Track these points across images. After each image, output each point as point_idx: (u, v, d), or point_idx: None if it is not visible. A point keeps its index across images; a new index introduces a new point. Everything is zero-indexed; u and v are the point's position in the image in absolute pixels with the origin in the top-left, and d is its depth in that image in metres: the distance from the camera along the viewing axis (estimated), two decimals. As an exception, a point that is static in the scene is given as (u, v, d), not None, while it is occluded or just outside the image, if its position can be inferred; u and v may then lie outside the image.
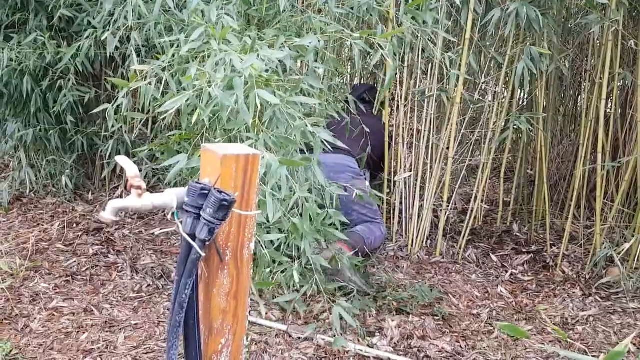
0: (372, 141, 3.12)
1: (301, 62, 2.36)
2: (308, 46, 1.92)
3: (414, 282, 2.94)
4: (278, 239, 1.91)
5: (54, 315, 2.44)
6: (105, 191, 3.65)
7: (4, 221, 3.31)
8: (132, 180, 0.93)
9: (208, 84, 1.72)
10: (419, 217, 3.21)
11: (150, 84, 2.04)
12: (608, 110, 3.04)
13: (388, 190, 3.29)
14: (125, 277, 2.76)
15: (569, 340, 2.52)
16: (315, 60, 2.08)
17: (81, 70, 2.92)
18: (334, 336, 2.33)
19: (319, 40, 1.95)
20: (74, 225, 3.27)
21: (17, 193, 3.56)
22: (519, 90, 3.31)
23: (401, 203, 3.25)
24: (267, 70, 1.97)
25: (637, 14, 2.95)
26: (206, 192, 0.93)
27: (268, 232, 1.90)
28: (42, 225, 3.26)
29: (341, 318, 2.06)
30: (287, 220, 1.86)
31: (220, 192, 0.92)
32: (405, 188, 3.21)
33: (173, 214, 0.98)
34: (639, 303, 2.83)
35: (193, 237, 0.95)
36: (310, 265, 2.04)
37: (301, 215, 1.92)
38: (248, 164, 0.99)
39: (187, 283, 0.95)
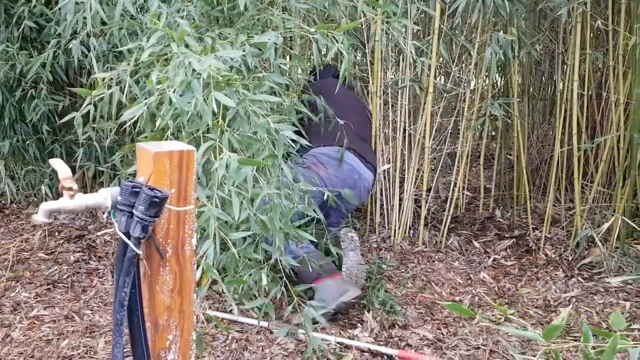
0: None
1: (266, 59, 2.36)
2: (267, 42, 1.92)
3: (397, 272, 2.94)
4: (248, 237, 1.91)
5: (34, 323, 2.44)
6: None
7: (-15, 233, 3.31)
8: (64, 181, 0.93)
9: (169, 88, 1.72)
10: (400, 207, 3.22)
11: (114, 91, 2.04)
12: (582, 92, 3.05)
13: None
14: (107, 283, 2.76)
15: (518, 317, 2.53)
16: (277, 57, 2.08)
17: (53, 79, 2.92)
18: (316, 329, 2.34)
19: (279, 37, 1.95)
20: (56, 234, 3.27)
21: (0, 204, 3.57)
22: (495, 77, 3.31)
23: (382, 194, 3.26)
24: (230, 69, 1.98)
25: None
26: (137, 189, 0.93)
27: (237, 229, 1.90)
28: (24, 235, 3.26)
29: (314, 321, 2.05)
30: (256, 218, 1.86)
31: (152, 189, 0.93)
32: (385, 179, 3.22)
33: (110, 213, 0.98)
34: (621, 282, 2.84)
35: (128, 235, 0.96)
36: (279, 266, 2.04)
37: (264, 212, 1.92)
38: (183, 160, 0.99)
39: (125, 281, 0.95)
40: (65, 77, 3.09)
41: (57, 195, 3.57)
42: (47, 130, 3.17)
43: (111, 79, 2.09)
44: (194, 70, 1.78)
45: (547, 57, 3.69)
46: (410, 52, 2.72)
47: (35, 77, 2.89)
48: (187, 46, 1.94)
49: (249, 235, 1.92)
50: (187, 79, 1.69)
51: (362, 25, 2.98)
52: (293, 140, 2.04)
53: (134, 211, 0.94)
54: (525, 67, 3.48)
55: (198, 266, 1.70)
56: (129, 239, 0.95)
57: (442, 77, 3.42)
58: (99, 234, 3.11)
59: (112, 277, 2.80)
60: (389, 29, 2.81)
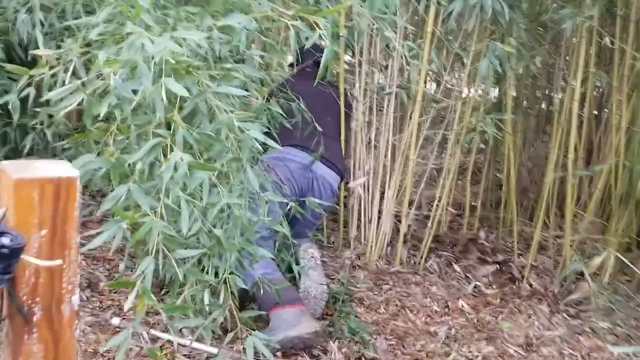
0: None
1: (242, 50, 2.08)
2: (237, 27, 1.66)
3: (370, 294, 2.70)
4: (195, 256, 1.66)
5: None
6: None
7: None
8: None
9: (113, 71, 1.46)
10: (378, 222, 2.97)
11: (59, 71, 1.76)
12: (581, 113, 2.83)
13: (346, 193, 3.05)
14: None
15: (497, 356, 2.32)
16: (249, 47, 1.83)
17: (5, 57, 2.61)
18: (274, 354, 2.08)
19: (252, 21, 1.68)
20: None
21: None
22: (488, 90, 3.08)
23: (360, 206, 3.01)
24: (195, 56, 1.71)
25: (614, 9, 2.72)
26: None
27: (186, 248, 1.64)
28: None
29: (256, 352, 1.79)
30: (208, 232, 1.60)
31: (2, 233, 0.67)
32: (363, 190, 2.97)
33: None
34: (610, 323, 2.62)
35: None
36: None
37: (221, 226, 1.66)
38: (60, 189, 0.73)
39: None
40: (22, 55, 2.79)
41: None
42: (-1, 112, 2.87)
43: (58, 58, 1.81)
44: (145, 53, 1.51)
45: (546, 71, 3.46)
46: (403, 55, 2.46)
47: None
48: (146, 27, 1.67)
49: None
50: (131, 60, 1.42)
51: (351, 21, 2.73)
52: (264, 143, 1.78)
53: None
54: (522, 80, 3.25)
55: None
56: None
57: (432, 85, 3.17)
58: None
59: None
60: (376, 26, 2.57)
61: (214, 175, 1.63)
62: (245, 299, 2.34)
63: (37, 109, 2.02)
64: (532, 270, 3.03)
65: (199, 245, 1.79)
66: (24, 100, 2.02)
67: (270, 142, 1.73)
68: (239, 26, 1.63)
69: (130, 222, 1.36)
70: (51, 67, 1.80)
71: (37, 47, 2.14)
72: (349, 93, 2.97)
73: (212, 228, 1.60)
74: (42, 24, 2.04)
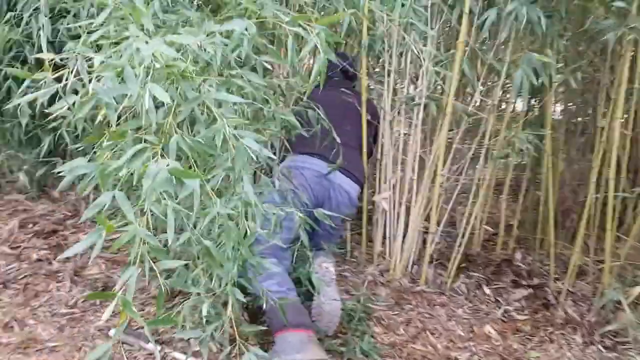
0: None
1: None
2: (235, 31, 1.59)
3: (390, 314, 2.58)
4: (180, 267, 1.60)
5: (-33, 329, 2.18)
6: (74, 189, 3.39)
7: (-44, 217, 3.09)
8: None
9: (101, 75, 1.42)
10: (403, 238, 2.85)
11: (66, 74, 1.75)
12: (625, 131, 2.63)
13: (370, 207, 2.94)
14: (63, 289, 2.49)
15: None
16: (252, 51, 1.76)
17: (30, 59, 2.65)
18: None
19: (252, 25, 1.62)
20: (29, 226, 3.02)
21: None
22: (524, 105, 2.92)
23: (385, 220, 2.90)
24: (195, 63, 1.67)
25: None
26: None
27: (179, 258, 1.59)
28: (-3, 224, 3.03)
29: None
30: (197, 243, 1.54)
31: None
32: (389, 205, 2.86)
33: None
34: (649, 358, 2.42)
35: None
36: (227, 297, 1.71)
37: (218, 237, 1.60)
38: None
39: None
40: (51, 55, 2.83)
41: (36, 184, 3.34)
42: (29, 114, 2.92)
43: (65, 60, 1.80)
44: (140, 57, 1.47)
45: (593, 86, 3.26)
46: (433, 65, 2.35)
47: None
48: (146, 31, 1.64)
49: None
50: (117, 63, 1.38)
51: (380, 30, 2.64)
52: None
53: None
54: (565, 95, 3.07)
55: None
56: None
57: (465, 97, 3.03)
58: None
59: (71, 282, 2.53)
60: (404, 35, 2.47)
61: (208, 184, 1.57)
62: (258, 312, 2.27)
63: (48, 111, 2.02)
64: (569, 296, 2.85)
65: (198, 255, 1.73)
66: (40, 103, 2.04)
67: (266, 152, 1.65)
68: (238, 30, 1.57)
69: (108, 231, 1.31)
70: (55, 71, 1.79)
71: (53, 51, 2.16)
72: (374, 103, 2.88)
73: (201, 238, 1.54)
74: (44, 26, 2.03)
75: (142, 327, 2.18)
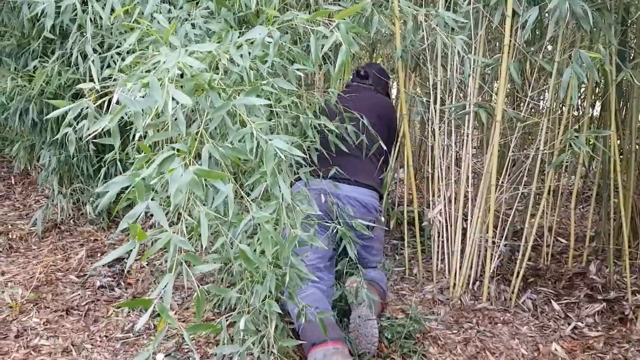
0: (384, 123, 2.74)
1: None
2: (256, 38, 1.60)
3: (448, 333, 2.47)
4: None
5: (31, 354, 2.26)
6: (146, 220, 3.51)
7: (34, 249, 3.26)
8: None
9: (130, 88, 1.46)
10: (462, 254, 2.74)
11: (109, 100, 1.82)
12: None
13: (425, 223, 2.85)
14: (122, 314, 2.55)
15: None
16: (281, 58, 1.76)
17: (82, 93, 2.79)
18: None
19: (276, 31, 1.62)
20: (98, 255, 3.14)
21: (56, 220, 3.52)
22: (583, 106, 2.76)
23: (443, 236, 2.80)
24: (225, 74, 1.69)
25: None
26: None
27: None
28: (68, 253, 3.17)
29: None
30: (231, 247, 1.53)
31: None
32: (445, 220, 2.76)
33: None
34: None
35: None
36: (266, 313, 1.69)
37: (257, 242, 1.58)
38: None
39: None
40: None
41: (102, 217, 3.48)
42: (93, 148, 3.06)
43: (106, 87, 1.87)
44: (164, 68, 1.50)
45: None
46: (481, 70, 2.27)
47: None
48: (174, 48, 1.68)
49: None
50: (141, 75, 1.41)
51: (423, 41, 2.59)
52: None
53: None
54: (632, 94, 2.87)
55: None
56: None
57: (516, 102, 2.91)
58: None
59: (130, 309, 2.59)
60: (446, 41, 2.40)
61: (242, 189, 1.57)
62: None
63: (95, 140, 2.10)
64: (649, 310, 2.62)
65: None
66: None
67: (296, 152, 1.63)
68: (259, 37, 1.58)
69: (140, 239, 1.33)
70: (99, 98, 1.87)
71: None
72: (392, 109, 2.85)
73: (236, 242, 1.53)
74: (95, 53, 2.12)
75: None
